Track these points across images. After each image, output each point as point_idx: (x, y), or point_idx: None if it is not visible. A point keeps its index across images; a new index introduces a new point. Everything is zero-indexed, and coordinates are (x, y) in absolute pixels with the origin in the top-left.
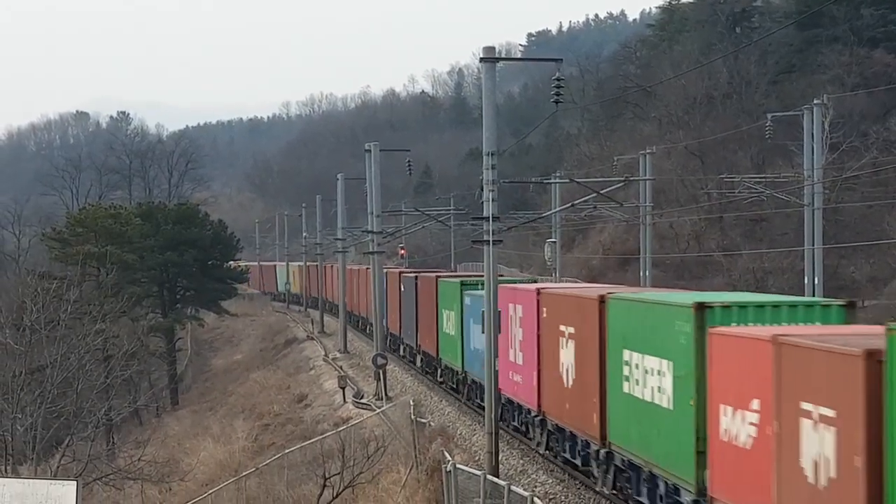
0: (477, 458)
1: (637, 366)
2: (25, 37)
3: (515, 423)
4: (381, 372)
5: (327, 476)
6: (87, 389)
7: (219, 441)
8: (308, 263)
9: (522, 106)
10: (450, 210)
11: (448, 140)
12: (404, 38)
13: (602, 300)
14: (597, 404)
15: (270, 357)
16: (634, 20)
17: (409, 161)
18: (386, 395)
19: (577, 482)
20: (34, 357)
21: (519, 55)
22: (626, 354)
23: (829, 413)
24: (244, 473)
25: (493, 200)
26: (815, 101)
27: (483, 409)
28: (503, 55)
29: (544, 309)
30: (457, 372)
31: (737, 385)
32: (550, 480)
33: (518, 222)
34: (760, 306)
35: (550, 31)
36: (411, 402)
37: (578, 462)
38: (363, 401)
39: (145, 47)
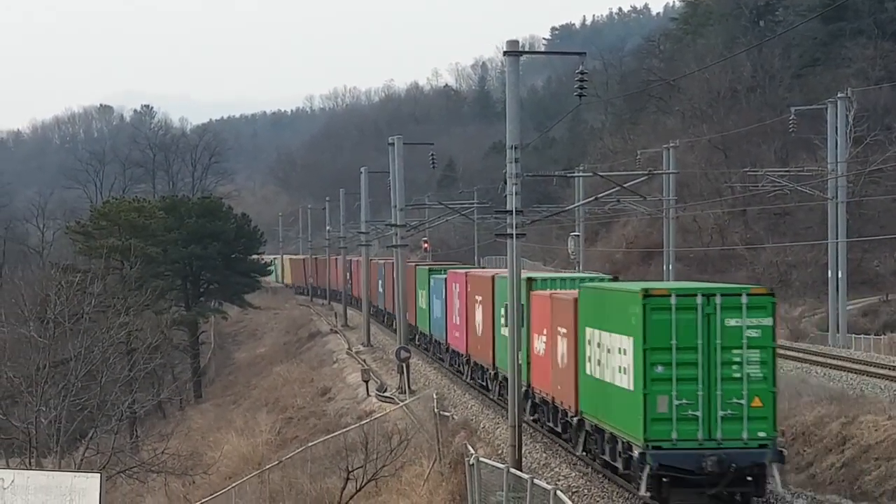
0: (500, 451)
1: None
2: (50, 31)
3: (456, 366)
4: (404, 365)
5: (350, 469)
6: (111, 382)
7: (242, 434)
8: (299, 256)
9: (546, 99)
10: (473, 203)
11: (472, 133)
12: (428, 32)
13: (493, 278)
14: (490, 344)
15: (294, 350)
16: (658, 14)
17: (432, 154)
18: (409, 388)
19: (601, 476)
20: (58, 350)
21: (543, 49)
22: (502, 311)
23: (565, 330)
24: (267, 467)
25: (516, 194)
26: (839, 95)
27: (441, 360)
28: (527, 49)
29: (469, 285)
30: (426, 335)
31: (540, 321)
32: (574, 474)
33: (541, 216)
34: (563, 279)
35: (574, 24)
36: (434, 396)
37: (485, 384)
38: (386, 394)
39: (169, 41)
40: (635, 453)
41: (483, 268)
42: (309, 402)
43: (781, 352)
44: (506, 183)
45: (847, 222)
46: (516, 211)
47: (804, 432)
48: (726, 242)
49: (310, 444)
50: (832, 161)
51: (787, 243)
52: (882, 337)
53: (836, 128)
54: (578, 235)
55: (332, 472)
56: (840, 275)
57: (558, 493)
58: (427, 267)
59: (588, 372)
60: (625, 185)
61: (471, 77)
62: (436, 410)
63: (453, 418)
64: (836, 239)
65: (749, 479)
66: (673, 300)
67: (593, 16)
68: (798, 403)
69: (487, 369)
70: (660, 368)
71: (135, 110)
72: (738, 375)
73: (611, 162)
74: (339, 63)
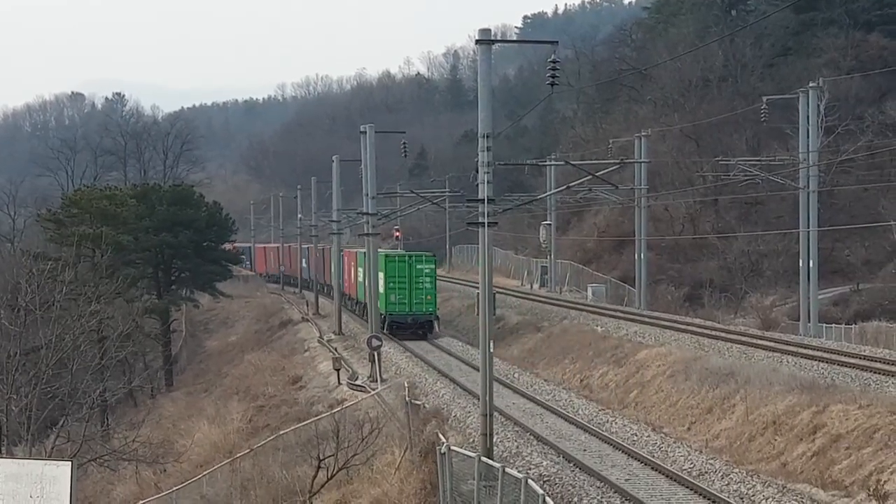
0: (471, 440)
1: (353, 271)
2: (21, 17)
3: (344, 301)
4: (375, 354)
5: (322, 458)
6: (82, 370)
7: (213, 422)
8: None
9: (518, 88)
10: (445, 192)
11: (443, 122)
12: (400, 20)
13: (356, 254)
14: (355, 286)
15: (265, 339)
16: (630, 3)
17: (404, 143)
18: (380, 377)
19: (572, 464)
20: (29, 338)
21: (515, 37)
22: (359, 269)
23: (362, 270)
24: (238, 455)
25: (488, 182)
26: (810, 84)
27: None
28: (499, 37)
29: (347, 257)
30: (329, 286)
31: (351, 267)
32: (545, 462)
33: (513, 204)
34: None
35: (546, 13)
36: (406, 384)
37: (353, 308)
38: (358, 382)
39: (141, 29)
40: (384, 316)
41: (453, 256)
42: (280, 391)
43: (752, 341)
44: (477, 171)
45: (818, 212)
46: (488, 199)
47: (775, 421)
48: (698, 231)
49: (281, 432)
50: (803, 150)
51: (758, 232)
52: (853, 326)
53: (808, 117)
54: (550, 224)
55: (303, 461)
56: (811, 264)
57: (529, 481)
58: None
59: (380, 291)
60: (596, 174)
61: (443, 65)
62: (407, 399)
63: (424, 407)
64: (808, 228)
65: (425, 325)
66: (396, 259)
67: (565, 4)
68: (769, 392)
69: (353, 298)
70: (391, 285)
71: (106, 98)
72: (420, 287)
73: (582, 151)
74: (311, 51)
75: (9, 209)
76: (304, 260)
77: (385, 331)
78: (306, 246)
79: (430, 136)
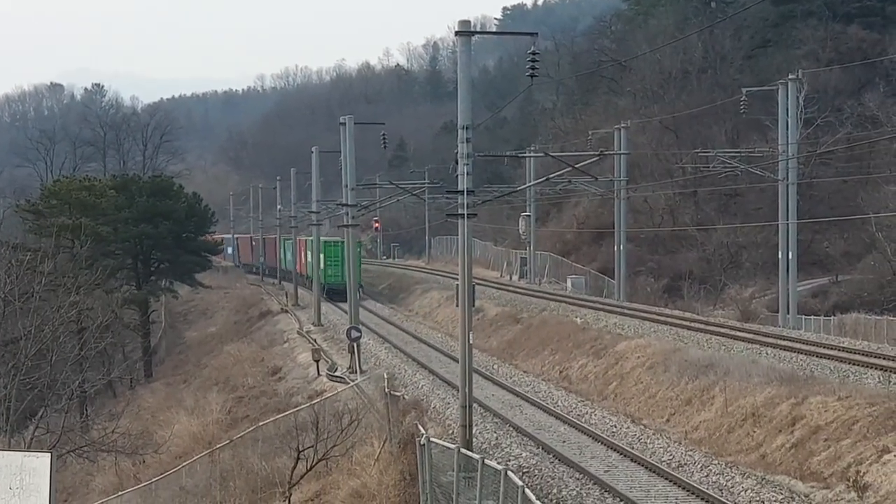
0: (451, 431)
1: (306, 256)
2: None
3: (295, 278)
4: (354, 345)
5: (301, 449)
6: (61, 361)
7: (192, 413)
8: None
9: (497, 80)
10: (424, 183)
11: (423, 113)
12: (380, 11)
13: (301, 241)
14: (303, 266)
15: (244, 329)
16: None
17: (383, 134)
18: (360, 368)
19: (552, 456)
20: (8, 329)
21: (494, 29)
22: (308, 253)
23: (307, 253)
24: (218, 446)
25: (467, 174)
26: (789, 76)
27: (294, 278)
28: (478, 29)
29: (298, 244)
30: (287, 269)
31: (303, 252)
32: (524, 454)
33: (493, 196)
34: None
35: (526, 4)
36: (385, 376)
37: (303, 283)
38: (337, 374)
39: (121, 19)
40: (324, 285)
41: (433, 247)
42: (259, 382)
43: (731, 333)
44: (457, 163)
45: (797, 203)
46: (467, 191)
47: (754, 413)
48: (677, 223)
49: (260, 423)
50: (783, 142)
51: (737, 224)
52: (832, 318)
53: (787, 109)
54: (529, 216)
55: (282, 452)
56: (790, 256)
57: (509, 473)
58: (284, 237)
59: (321, 267)
60: (576, 166)
61: (422, 57)
62: (386, 390)
63: (404, 398)
64: (787, 220)
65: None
66: (331, 244)
67: None
68: (748, 384)
69: (302, 274)
70: (329, 262)
71: (85, 89)
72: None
73: (562, 142)
74: (291, 42)
75: None
76: (229, 248)
77: (325, 295)
78: (236, 235)
79: (410, 128)
